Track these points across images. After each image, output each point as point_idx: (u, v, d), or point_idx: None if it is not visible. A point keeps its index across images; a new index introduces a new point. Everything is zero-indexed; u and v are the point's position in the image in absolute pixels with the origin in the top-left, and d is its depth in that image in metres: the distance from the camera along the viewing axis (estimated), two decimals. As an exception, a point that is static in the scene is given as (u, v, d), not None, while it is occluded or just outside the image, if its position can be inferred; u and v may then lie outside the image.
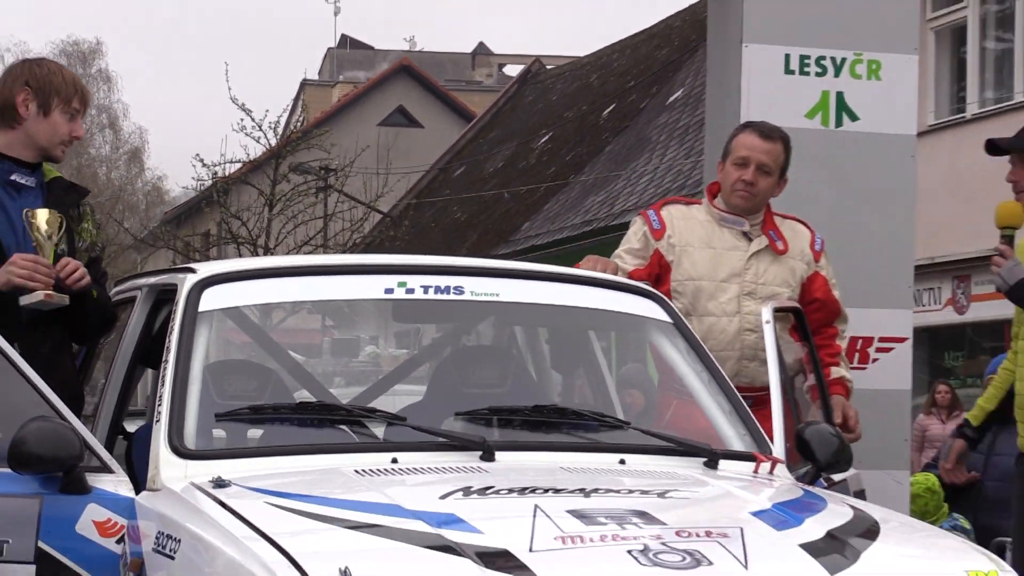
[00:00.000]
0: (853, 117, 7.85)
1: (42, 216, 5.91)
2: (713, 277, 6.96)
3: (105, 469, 5.40)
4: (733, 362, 6.84)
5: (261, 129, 30.87)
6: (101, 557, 5.27)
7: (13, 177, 6.02)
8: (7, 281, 5.82)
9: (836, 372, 7.03)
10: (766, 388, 6.22)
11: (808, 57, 7.79)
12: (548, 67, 43.16)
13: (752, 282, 6.97)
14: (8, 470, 5.26)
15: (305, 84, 58.76)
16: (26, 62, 6.17)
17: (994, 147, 6.78)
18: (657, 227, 7.04)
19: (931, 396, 17.27)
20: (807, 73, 7.80)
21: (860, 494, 6.37)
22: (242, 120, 30.89)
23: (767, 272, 6.98)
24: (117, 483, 5.36)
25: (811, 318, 6.90)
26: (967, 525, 10.56)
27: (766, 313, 6.26)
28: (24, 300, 5.86)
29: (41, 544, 5.28)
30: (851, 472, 6.39)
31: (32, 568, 5.27)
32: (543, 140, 36.17)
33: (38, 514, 5.29)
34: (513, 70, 52.43)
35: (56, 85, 6.08)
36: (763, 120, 7.24)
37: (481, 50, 64.03)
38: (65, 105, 6.07)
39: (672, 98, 29.59)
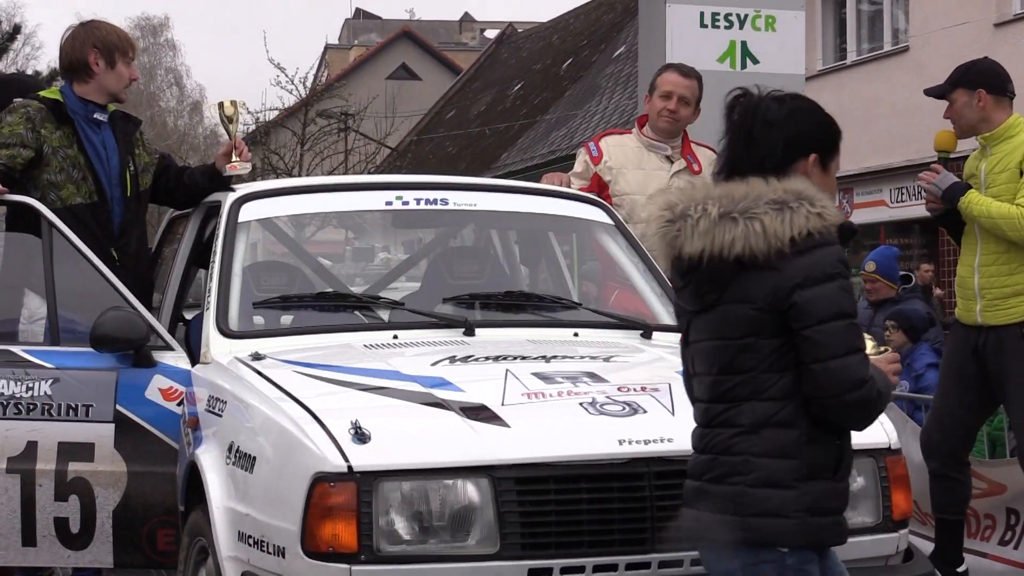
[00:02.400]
0: (755, 61, 7.80)
1: (227, 105, 6.01)
2: (644, 192, 6.80)
3: (167, 347, 5.39)
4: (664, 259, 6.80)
5: (293, 83, 30.78)
6: (165, 416, 5.26)
7: (95, 116, 5.99)
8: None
9: None
10: None
11: (718, 14, 7.73)
12: (519, 30, 42.90)
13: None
14: (91, 349, 5.27)
15: (327, 47, 58.46)
16: (86, 26, 6.11)
17: (932, 94, 6.46)
18: (596, 155, 6.93)
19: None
20: (718, 26, 7.74)
21: None
22: (278, 77, 31.01)
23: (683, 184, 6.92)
24: (177, 358, 5.35)
25: None
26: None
27: None
28: (229, 171, 5.96)
29: (119, 407, 5.30)
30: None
31: (112, 426, 5.30)
32: (516, 88, 36.00)
33: (115, 383, 5.32)
34: (491, 33, 52.06)
35: (115, 43, 6.05)
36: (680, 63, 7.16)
37: (466, 18, 63.64)
38: (123, 57, 6.04)
39: (616, 53, 29.44)
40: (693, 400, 3.73)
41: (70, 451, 5.31)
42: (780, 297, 3.48)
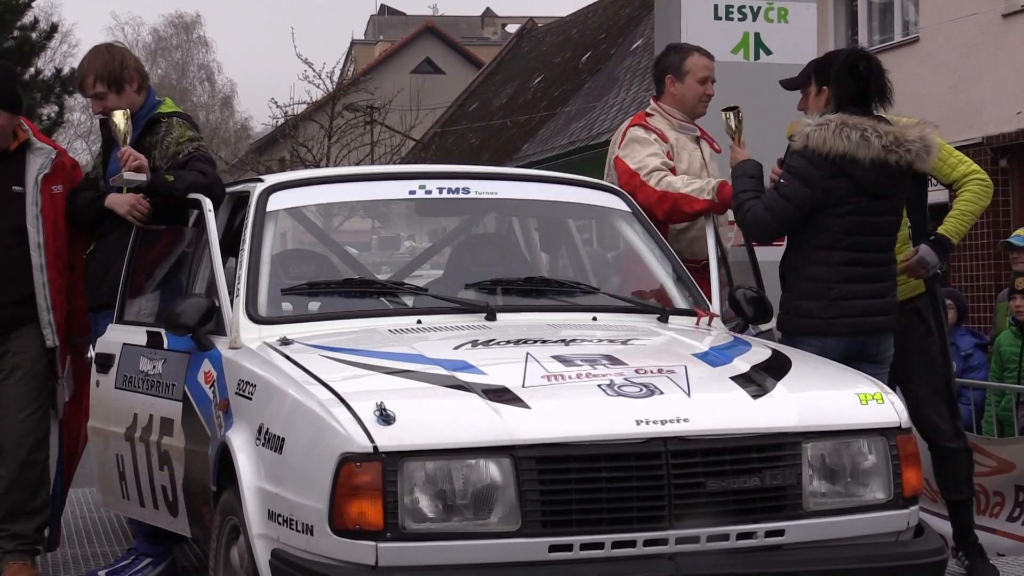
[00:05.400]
0: (768, 52, 7.78)
1: (117, 116, 6.02)
2: (694, 171, 6.63)
3: (222, 332, 5.36)
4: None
5: (321, 78, 30.79)
6: (203, 398, 5.27)
7: None
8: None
9: None
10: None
11: (732, 6, 7.72)
12: (539, 25, 42.85)
13: (711, 175, 6.63)
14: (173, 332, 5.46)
15: (354, 43, 58.48)
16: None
17: (785, 85, 6.56)
18: (660, 134, 6.61)
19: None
20: (732, 19, 7.73)
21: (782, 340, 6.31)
22: (306, 71, 30.99)
23: (712, 166, 6.78)
24: (224, 343, 5.32)
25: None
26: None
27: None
28: (112, 179, 6.12)
29: (185, 387, 5.42)
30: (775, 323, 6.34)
31: (181, 405, 5.45)
32: (536, 81, 35.96)
33: (187, 365, 5.43)
34: (512, 28, 52.00)
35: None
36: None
37: (488, 13, 63.56)
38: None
39: (634, 45, 29.39)
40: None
41: (163, 426, 5.56)
42: None
